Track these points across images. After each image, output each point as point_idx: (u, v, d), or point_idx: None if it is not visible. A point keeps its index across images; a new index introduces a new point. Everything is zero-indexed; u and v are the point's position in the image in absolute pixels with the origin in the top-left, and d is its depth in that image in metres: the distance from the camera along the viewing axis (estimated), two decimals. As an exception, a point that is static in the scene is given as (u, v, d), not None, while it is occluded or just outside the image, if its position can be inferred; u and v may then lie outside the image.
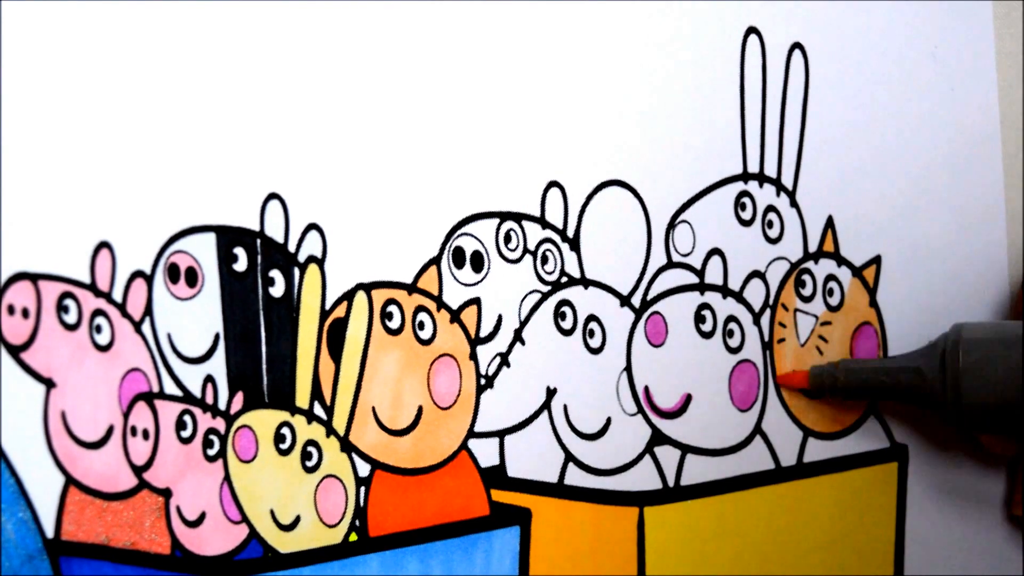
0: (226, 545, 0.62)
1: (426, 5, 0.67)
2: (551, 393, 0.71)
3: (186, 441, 0.61)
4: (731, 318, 0.75)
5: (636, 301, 0.73)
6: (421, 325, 0.67)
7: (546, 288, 0.70)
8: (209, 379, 0.62)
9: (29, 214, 0.57)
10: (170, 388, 0.61)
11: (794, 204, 0.78)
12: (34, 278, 0.58)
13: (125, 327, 0.60)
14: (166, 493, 0.61)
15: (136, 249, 0.60)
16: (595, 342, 0.72)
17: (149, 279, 0.60)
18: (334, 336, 0.65)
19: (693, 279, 0.74)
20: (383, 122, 0.66)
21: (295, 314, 0.64)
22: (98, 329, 0.59)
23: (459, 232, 0.68)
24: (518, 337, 0.70)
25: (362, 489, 0.66)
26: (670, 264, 0.74)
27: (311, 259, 0.64)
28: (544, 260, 0.70)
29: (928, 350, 0.76)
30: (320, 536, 0.64)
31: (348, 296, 0.65)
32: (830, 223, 0.79)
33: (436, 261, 0.67)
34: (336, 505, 0.65)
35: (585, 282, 0.71)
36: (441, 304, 0.67)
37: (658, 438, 0.74)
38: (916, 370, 0.75)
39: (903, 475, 0.82)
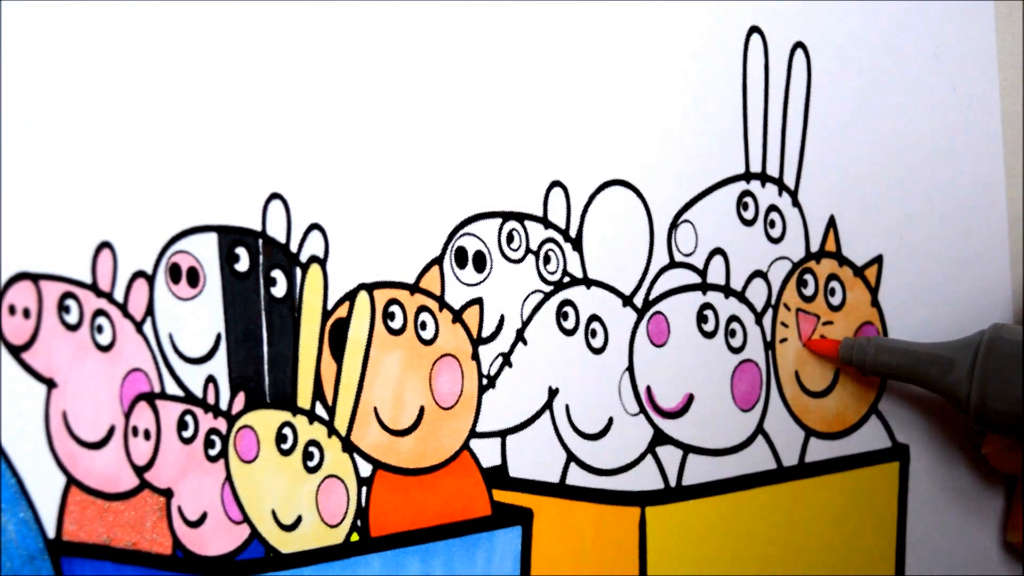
0: (227, 545, 0.62)
1: (427, 5, 0.67)
2: (553, 393, 0.71)
3: (187, 441, 0.61)
4: (733, 318, 0.75)
5: (638, 301, 0.73)
6: (423, 325, 0.67)
7: (548, 288, 0.70)
8: (211, 379, 0.62)
9: (29, 214, 0.57)
10: (171, 388, 0.61)
11: (796, 204, 0.78)
12: (35, 278, 0.58)
13: (126, 327, 0.60)
14: (167, 493, 0.61)
15: (137, 249, 0.60)
16: (597, 342, 0.72)
17: (151, 279, 0.60)
18: (336, 336, 0.64)
19: (695, 279, 0.74)
20: (385, 122, 0.66)
21: (297, 314, 0.64)
22: (99, 329, 0.59)
23: (461, 232, 0.68)
24: (520, 337, 0.69)
25: (364, 489, 0.65)
26: (672, 264, 0.74)
27: (313, 259, 0.64)
28: (546, 260, 0.70)
29: (963, 344, 0.75)
30: (322, 536, 0.64)
31: (350, 296, 0.65)
32: (832, 223, 0.79)
33: (438, 261, 0.67)
34: (338, 505, 0.65)
35: (587, 282, 0.71)
36: (443, 304, 0.67)
37: (660, 438, 0.74)
38: (948, 362, 0.75)
39: (904, 475, 0.82)
